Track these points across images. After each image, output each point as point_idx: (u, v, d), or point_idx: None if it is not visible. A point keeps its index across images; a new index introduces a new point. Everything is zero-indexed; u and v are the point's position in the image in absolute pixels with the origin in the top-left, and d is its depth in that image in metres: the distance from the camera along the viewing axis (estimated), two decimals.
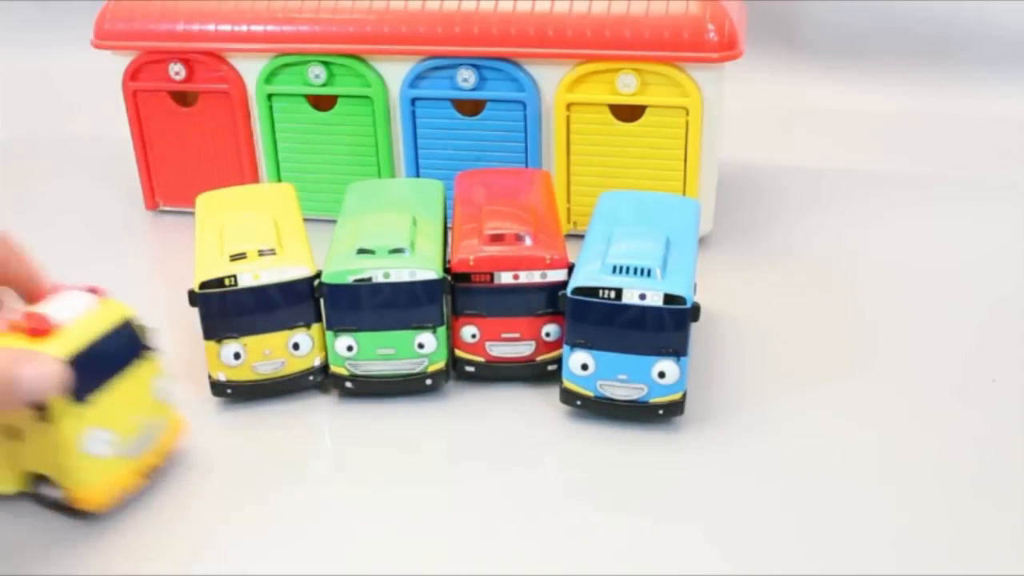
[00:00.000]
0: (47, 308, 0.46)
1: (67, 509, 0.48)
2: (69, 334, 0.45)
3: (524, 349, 0.56)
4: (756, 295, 0.66)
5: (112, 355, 0.47)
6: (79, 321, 0.46)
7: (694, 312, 0.51)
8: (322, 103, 0.73)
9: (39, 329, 0.45)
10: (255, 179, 0.77)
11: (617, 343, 0.51)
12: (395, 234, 0.55)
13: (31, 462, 0.47)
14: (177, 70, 0.73)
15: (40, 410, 0.44)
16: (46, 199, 0.84)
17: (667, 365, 0.51)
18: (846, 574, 0.44)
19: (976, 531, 0.46)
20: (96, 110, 0.91)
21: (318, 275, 0.54)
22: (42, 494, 0.48)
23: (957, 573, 0.44)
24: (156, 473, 0.50)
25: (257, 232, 0.56)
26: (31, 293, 0.49)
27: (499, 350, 0.56)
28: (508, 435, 0.53)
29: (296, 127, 0.74)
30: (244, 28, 0.71)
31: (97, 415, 0.46)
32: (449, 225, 0.60)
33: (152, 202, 0.79)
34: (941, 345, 0.60)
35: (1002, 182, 0.82)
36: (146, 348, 0.49)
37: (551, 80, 0.69)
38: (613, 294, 0.51)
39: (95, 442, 0.46)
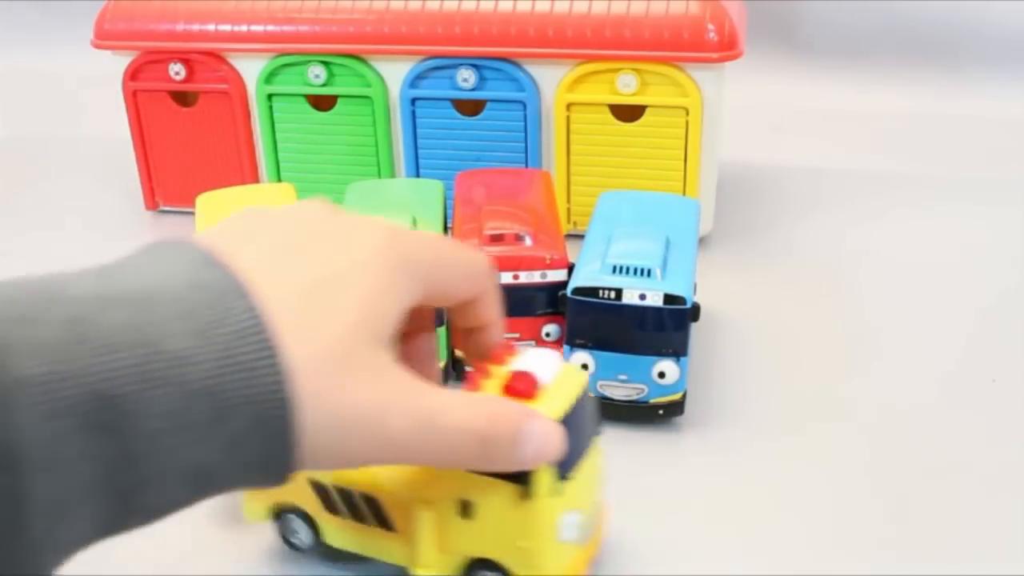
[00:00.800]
0: (524, 366, 0.39)
1: None
2: (551, 398, 0.38)
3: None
4: (756, 295, 0.66)
5: (583, 426, 0.40)
6: (555, 385, 0.39)
7: (694, 312, 0.51)
8: (322, 103, 0.73)
9: (523, 391, 0.38)
10: (255, 179, 0.76)
11: (617, 343, 0.51)
12: None
13: (477, 545, 0.39)
14: (177, 70, 0.73)
15: (522, 483, 0.37)
16: (46, 199, 0.84)
17: (667, 365, 0.51)
18: (846, 574, 0.44)
19: (977, 531, 0.46)
20: (96, 110, 0.91)
21: None
22: None
23: (958, 573, 0.44)
24: (596, 564, 0.43)
25: None
26: (483, 346, 0.41)
27: None
28: None
29: (296, 127, 0.74)
30: (244, 28, 0.71)
31: (573, 495, 0.39)
32: (449, 225, 0.60)
33: (152, 202, 0.79)
34: (941, 345, 0.60)
35: (1002, 182, 0.82)
36: (601, 421, 0.42)
37: (551, 80, 0.69)
38: (613, 294, 0.51)
39: (568, 527, 0.39)
